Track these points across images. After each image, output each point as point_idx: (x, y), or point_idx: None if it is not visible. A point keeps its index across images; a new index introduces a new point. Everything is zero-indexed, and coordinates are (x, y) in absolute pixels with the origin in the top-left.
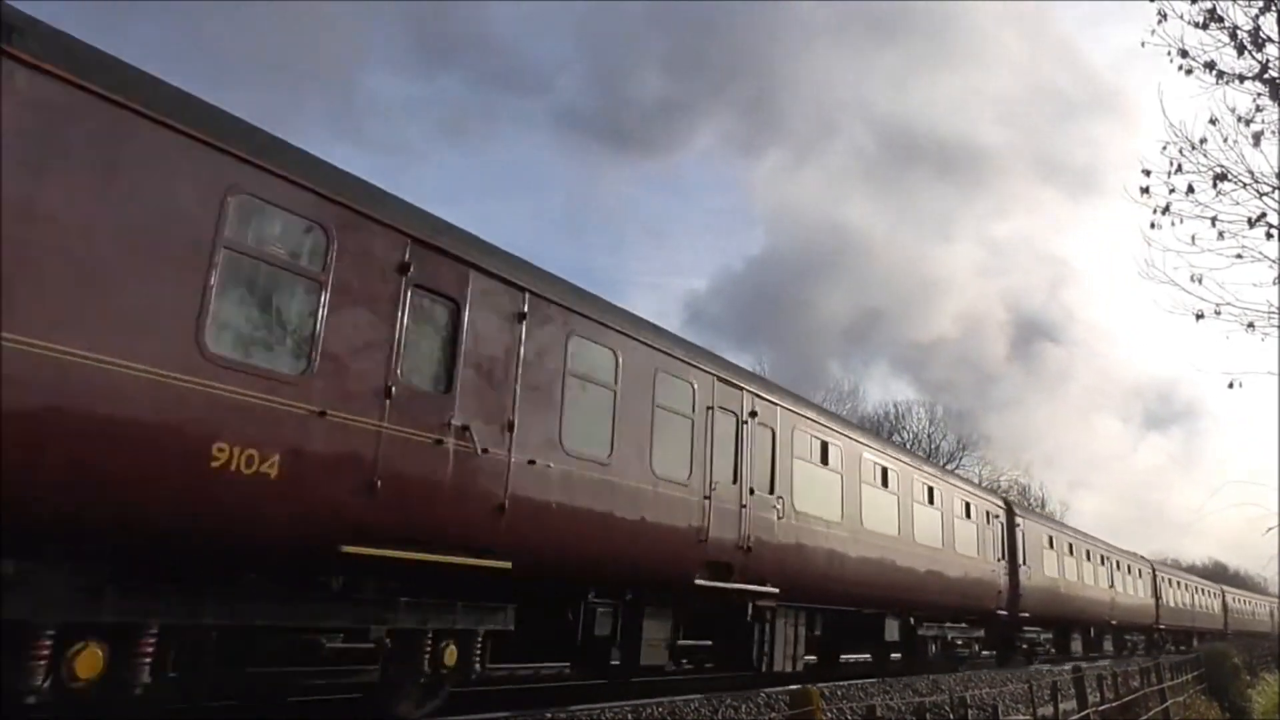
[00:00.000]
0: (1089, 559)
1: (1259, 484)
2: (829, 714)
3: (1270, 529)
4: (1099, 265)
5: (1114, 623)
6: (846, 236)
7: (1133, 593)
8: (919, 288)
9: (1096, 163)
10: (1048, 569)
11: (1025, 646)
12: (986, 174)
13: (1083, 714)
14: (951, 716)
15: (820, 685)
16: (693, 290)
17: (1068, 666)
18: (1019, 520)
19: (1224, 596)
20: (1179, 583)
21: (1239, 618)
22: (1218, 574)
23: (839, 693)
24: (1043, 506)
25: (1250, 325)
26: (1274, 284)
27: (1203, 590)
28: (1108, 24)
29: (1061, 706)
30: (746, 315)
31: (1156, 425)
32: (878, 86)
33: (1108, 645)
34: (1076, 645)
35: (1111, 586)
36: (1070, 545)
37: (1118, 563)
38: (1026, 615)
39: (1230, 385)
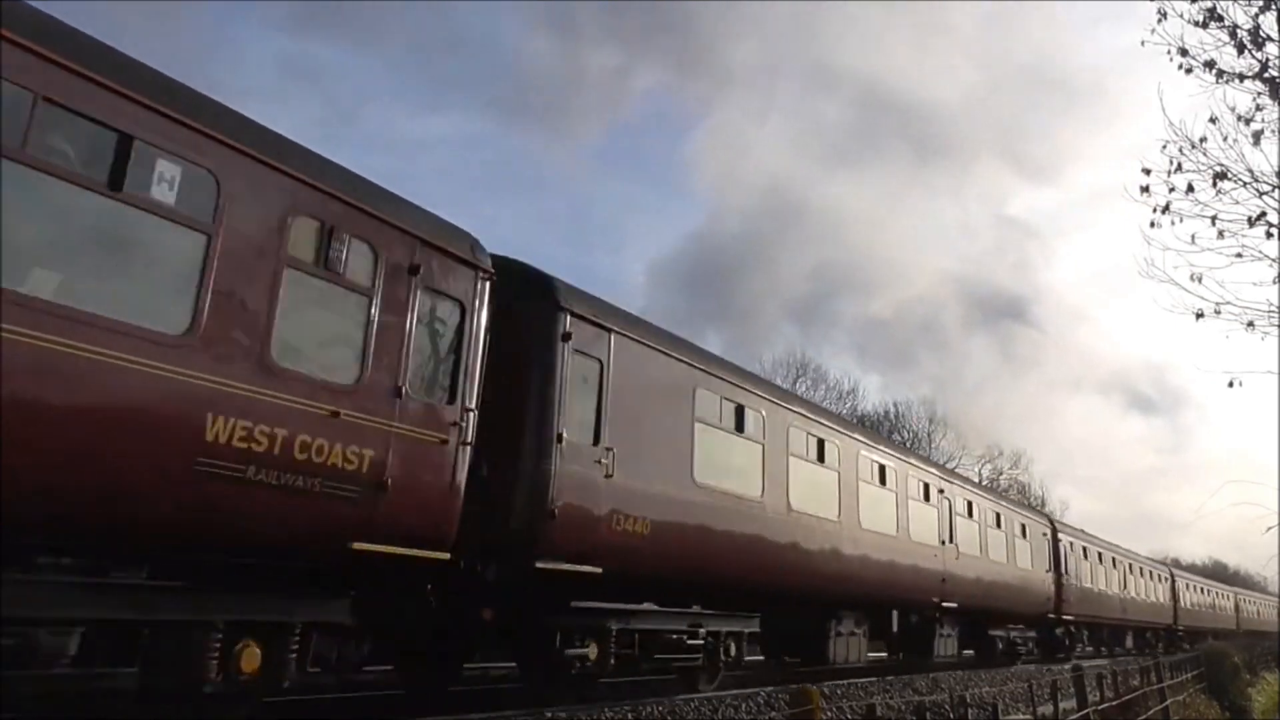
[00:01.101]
0: (905, 485)
1: (1259, 483)
2: (829, 713)
3: (1270, 529)
4: (1078, 248)
5: (947, 605)
6: (797, 204)
7: (1002, 559)
8: (875, 259)
9: (1066, 151)
10: (777, 482)
11: (606, 660)
12: (949, 145)
13: (1082, 713)
14: (951, 716)
15: (820, 685)
16: (631, 272)
17: (1059, 668)
18: (609, 344)
19: (1174, 581)
20: (1100, 555)
21: (1194, 612)
22: (1218, 573)
23: (839, 692)
24: (1042, 505)
25: (1250, 324)
26: (1274, 283)
27: (1141, 570)
28: (1105, 23)
29: (1061, 705)
30: (689, 295)
31: (1143, 410)
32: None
33: (944, 647)
34: (842, 648)
35: (948, 543)
36: (858, 457)
37: (969, 505)
38: (616, 573)
39: (1230, 385)
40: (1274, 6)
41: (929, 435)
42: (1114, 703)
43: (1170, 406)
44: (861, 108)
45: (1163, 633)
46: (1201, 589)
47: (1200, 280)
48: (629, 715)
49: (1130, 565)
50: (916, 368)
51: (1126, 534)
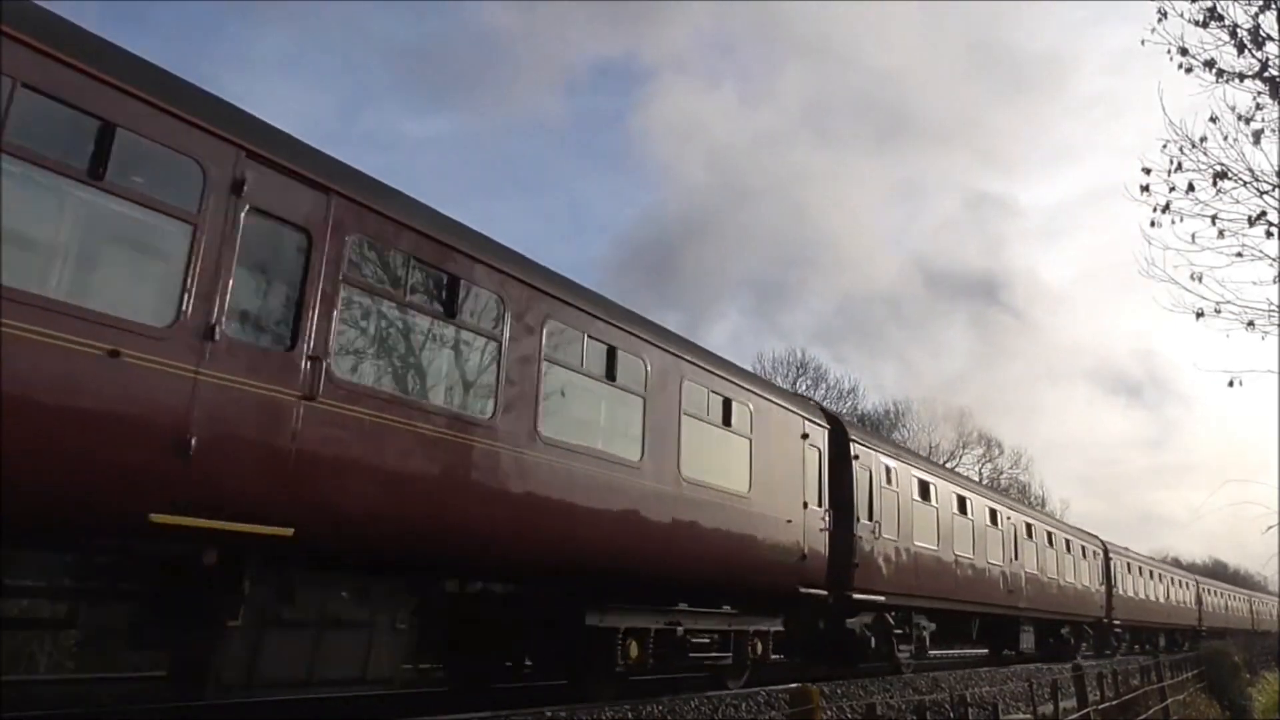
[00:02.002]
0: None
1: (1259, 482)
2: (829, 712)
3: (1270, 528)
4: (1067, 241)
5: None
6: (760, 182)
7: (639, 459)
8: (848, 243)
9: (1060, 147)
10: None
11: None
12: (926, 132)
13: (1083, 712)
14: (952, 715)
15: (820, 684)
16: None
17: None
18: None
19: (1109, 560)
20: (965, 503)
21: (1138, 603)
22: (1217, 573)
23: (839, 691)
24: (1043, 505)
25: (1250, 324)
26: (1274, 282)
27: (1051, 539)
28: (1101, 24)
29: (1062, 705)
30: (636, 277)
31: (1137, 405)
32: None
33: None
34: None
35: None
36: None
37: (515, 316)
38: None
39: (1231, 384)
40: (1274, 6)
41: (929, 434)
42: (1114, 702)
43: (1167, 403)
44: (831, 83)
45: (1089, 628)
46: (1151, 573)
47: (1200, 279)
48: (629, 715)
49: (1029, 528)
50: (889, 355)
51: (1126, 534)
